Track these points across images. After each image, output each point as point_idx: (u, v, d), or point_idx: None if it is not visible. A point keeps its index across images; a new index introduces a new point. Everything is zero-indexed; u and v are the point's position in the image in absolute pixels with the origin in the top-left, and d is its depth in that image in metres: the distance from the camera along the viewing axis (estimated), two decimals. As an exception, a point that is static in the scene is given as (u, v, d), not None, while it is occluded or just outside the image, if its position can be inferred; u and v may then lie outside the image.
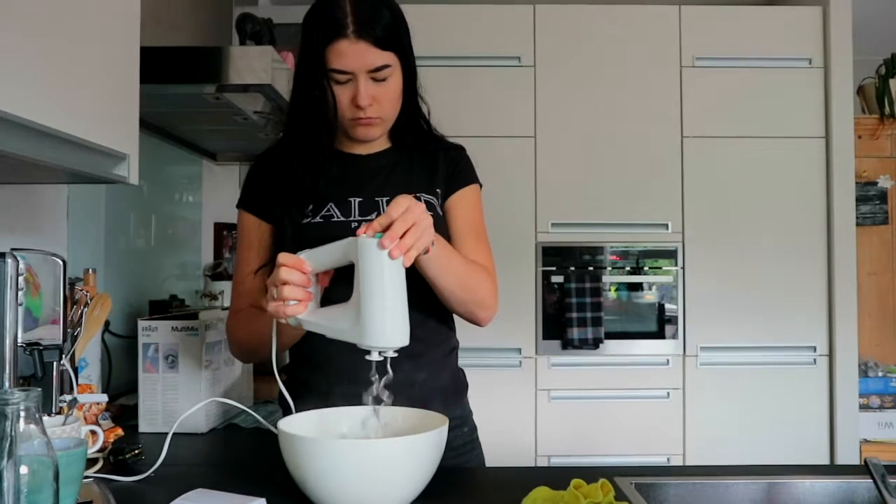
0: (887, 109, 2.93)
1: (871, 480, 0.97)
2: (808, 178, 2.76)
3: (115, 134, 1.10)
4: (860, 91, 3.06)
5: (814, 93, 2.77)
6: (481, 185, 1.31)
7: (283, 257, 1.01)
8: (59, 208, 1.67)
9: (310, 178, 1.18)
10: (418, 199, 1.17)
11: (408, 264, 0.95)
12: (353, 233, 1.07)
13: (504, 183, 2.69)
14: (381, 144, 1.27)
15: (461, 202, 1.26)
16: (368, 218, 1.18)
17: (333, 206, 1.19)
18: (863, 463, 0.97)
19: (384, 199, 1.19)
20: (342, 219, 1.18)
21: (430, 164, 1.26)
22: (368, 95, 1.13)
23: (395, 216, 0.95)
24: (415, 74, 1.21)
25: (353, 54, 1.11)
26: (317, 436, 0.99)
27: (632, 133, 2.76)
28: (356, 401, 1.06)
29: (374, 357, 0.96)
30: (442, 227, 1.21)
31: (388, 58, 1.13)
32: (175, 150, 2.24)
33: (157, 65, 1.40)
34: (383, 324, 0.94)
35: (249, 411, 1.20)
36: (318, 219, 1.19)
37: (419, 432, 0.93)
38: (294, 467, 0.93)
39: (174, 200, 2.44)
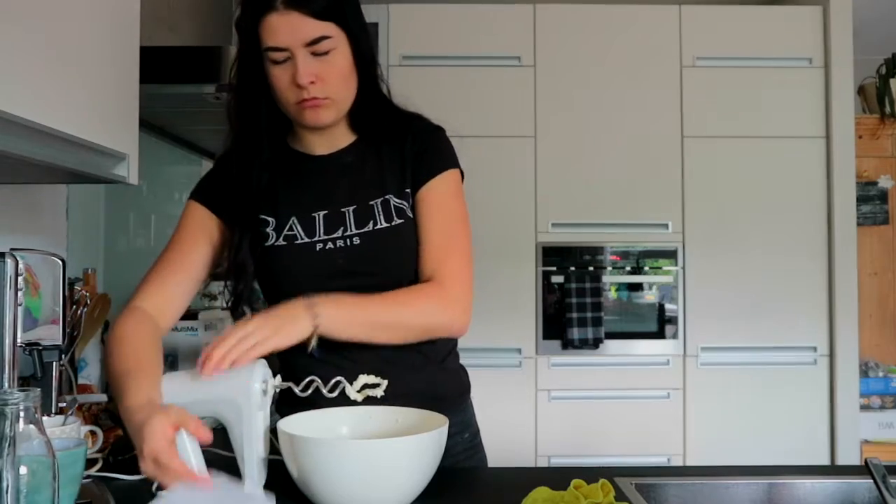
0: (888, 109, 2.93)
1: (871, 481, 0.97)
2: (808, 178, 2.76)
3: (114, 134, 1.10)
4: (860, 91, 3.06)
5: (814, 93, 2.77)
6: (462, 171, 1.19)
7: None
8: (58, 208, 1.67)
9: (265, 177, 1.12)
10: (387, 202, 1.12)
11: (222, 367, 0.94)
12: (317, 257, 1.08)
13: (504, 183, 2.69)
14: (345, 139, 1.17)
15: (429, 197, 1.14)
16: (333, 236, 1.11)
17: (296, 223, 1.13)
18: (863, 463, 0.97)
19: (350, 210, 1.12)
20: (306, 240, 1.12)
21: (398, 155, 1.15)
22: (309, 73, 1.04)
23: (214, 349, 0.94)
24: (367, 51, 1.11)
25: (285, 27, 1.02)
26: (317, 436, 0.99)
27: (632, 133, 2.75)
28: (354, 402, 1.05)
29: None
30: (409, 232, 1.14)
31: (327, 28, 1.04)
32: (175, 150, 2.24)
33: (157, 65, 1.40)
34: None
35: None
36: (280, 241, 1.12)
37: (419, 432, 0.93)
38: (294, 467, 0.93)
39: (174, 200, 2.44)
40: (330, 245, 1.12)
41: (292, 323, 0.99)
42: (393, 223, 1.12)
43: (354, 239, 1.12)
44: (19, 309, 0.95)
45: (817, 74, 2.77)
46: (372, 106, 1.15)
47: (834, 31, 2.73)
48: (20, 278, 0.94)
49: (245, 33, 1.07)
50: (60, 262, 1.07)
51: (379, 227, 1.12)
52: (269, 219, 1.14)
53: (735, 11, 2.78)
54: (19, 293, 0.94)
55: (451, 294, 1.11)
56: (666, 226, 2.74)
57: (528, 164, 2.75)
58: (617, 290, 2.77)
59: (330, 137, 1.17)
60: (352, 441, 0.96)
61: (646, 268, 2.76)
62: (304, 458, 0.91)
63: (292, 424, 0.99)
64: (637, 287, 2.77)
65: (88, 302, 1.37)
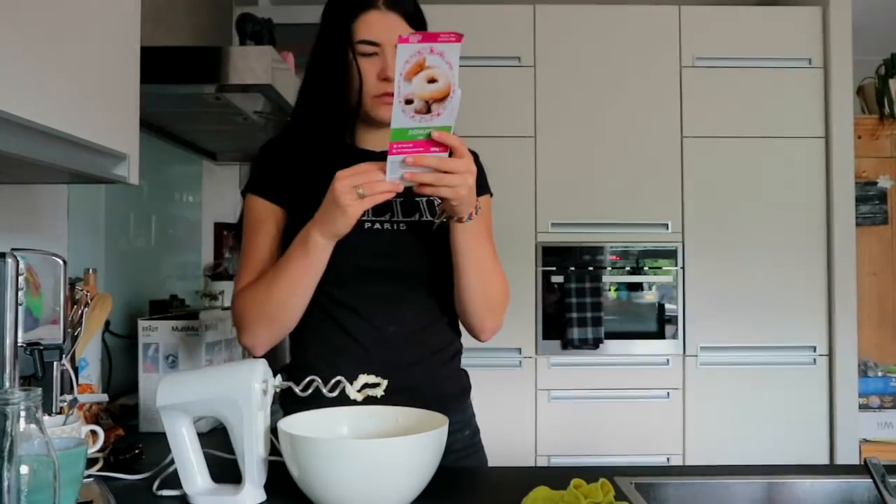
0: (887, 109, 2.94)
1: (870, 480, 0.98)
2: (808, 178, 2.76)
3: (115, 134, 1.10)
4: (860, 91, 3.06)
5: (814, 93, 2.77)
6: (492, 195, 1.29)
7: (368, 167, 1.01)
8: (59, 208, 1.67)
9: (326, 168, 1.13)
10: (432, 202, 1.19)
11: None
12: (364, 234, 1.12)
13: (504, 183, 2.65)
14: None
15: (476, 217, 1.21)
16: (381, 219, 1.16)
17: None
18: (862, 463, 0.97)
19: (397, 200, 1.16)
20: (372, 217, 1.16)
21: None
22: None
23: (457, 144, 1.00)
24: None
25: (383, 25, 1.12)
26: (317, 436, 0.99)
27: (632, 133, 2.76)
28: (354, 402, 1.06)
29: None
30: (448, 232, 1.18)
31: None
32: (175, 150, 2.24)
33: (157, 65, 1.40)
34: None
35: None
36: None
37: (419, 432, 0.93)
38: (294, 467, 0.93)
39: (174, 200, 2.44)
40: (377, 226, 1.17)
41: (473, 196, 1.06)
42: (436, 218, 1.17)
43: (401, 225, 1.18)
44: (20, 309, 0.95)
45: (817, 75, 2.77)
46: None
47: (833, 31, 2.74)
48: (21, 278, 0.94)
49: (337, 25, 1.14)
50: (61, 262, 1.07)
51: (425, 219, 1.19)
52: (321, 198, 1.16)
53: (735, 11, 2.79)
54: (20, 293, 0.94)
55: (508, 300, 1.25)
56: (666, 226, 2.75)
57: (528, 164, 2.75)
58: (617, 289, 2.78)
59: (383, 137, 1.19)
60: (352, 441, 0.96)
61: (645, 268, 2.76)
62: (305, 458, 0.91)
63: (292, 424, 0.99)
64: (637, 287, 2.78)
65: (89, 302, 1.37)
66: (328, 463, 0.89)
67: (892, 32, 3.12)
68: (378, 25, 1.12)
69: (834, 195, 2.73)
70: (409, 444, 0.91)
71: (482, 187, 1.24)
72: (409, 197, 1.18)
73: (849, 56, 2.74)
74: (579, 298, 2.68)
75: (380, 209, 1.15)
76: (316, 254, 1.07)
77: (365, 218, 1.15)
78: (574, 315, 2.67)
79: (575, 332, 2.66)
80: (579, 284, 2.69)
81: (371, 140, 1.23)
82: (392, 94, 1.04)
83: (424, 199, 1.20)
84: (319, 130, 1.18)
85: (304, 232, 1.07)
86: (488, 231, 1.22)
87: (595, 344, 2.68)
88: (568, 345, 2.68)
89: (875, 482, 0.94)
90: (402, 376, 1.11)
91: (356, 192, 1.00)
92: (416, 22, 1.16)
